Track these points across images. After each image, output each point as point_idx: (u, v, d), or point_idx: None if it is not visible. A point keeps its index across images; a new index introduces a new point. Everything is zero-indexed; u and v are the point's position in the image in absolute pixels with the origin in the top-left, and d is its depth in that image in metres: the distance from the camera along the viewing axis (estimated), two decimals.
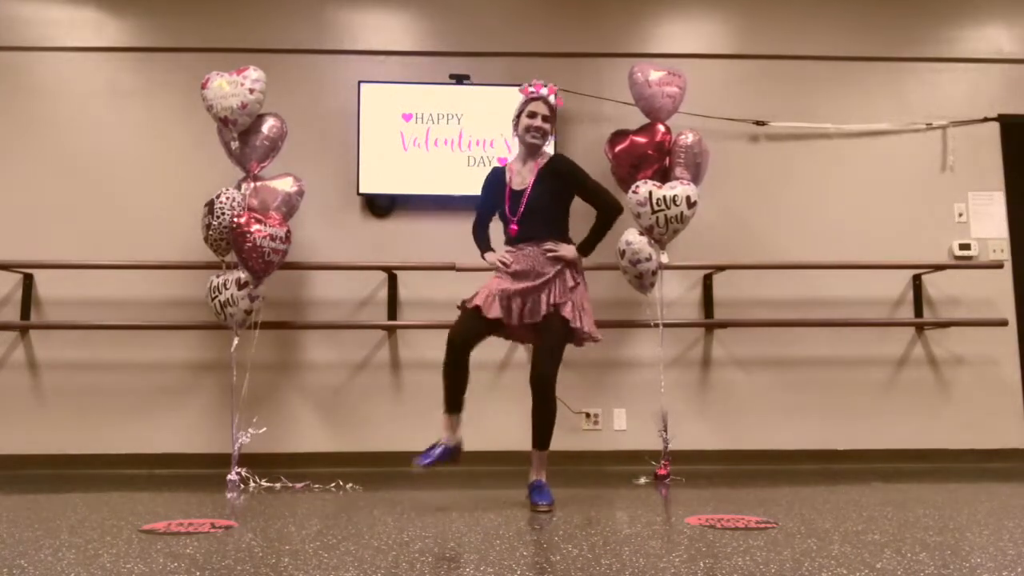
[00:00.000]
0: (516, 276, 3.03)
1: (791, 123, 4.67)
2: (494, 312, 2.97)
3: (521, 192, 3.09)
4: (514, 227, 3.08)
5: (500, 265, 3.07)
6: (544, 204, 3.07)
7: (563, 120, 4.52)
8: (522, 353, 4.37)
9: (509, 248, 3.12)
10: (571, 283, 3.05)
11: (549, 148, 3.28)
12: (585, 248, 3.12)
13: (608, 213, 3.14)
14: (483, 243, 3.27)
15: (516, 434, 4.18)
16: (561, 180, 3.11)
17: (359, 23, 4.68)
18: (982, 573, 1.90)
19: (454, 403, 3.03)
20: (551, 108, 3.12)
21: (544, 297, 3.00)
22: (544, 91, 3.13)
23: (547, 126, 3.11)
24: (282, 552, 2.16)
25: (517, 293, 3.00)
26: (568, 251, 3.07)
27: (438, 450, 2.98)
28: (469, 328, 2.99)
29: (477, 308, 2.98)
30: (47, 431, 4.27)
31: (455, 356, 2.98)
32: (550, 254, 3.03)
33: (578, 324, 3.00)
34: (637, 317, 4.22)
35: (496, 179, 3.22)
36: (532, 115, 3.09)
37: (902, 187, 4.66)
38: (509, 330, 3.08)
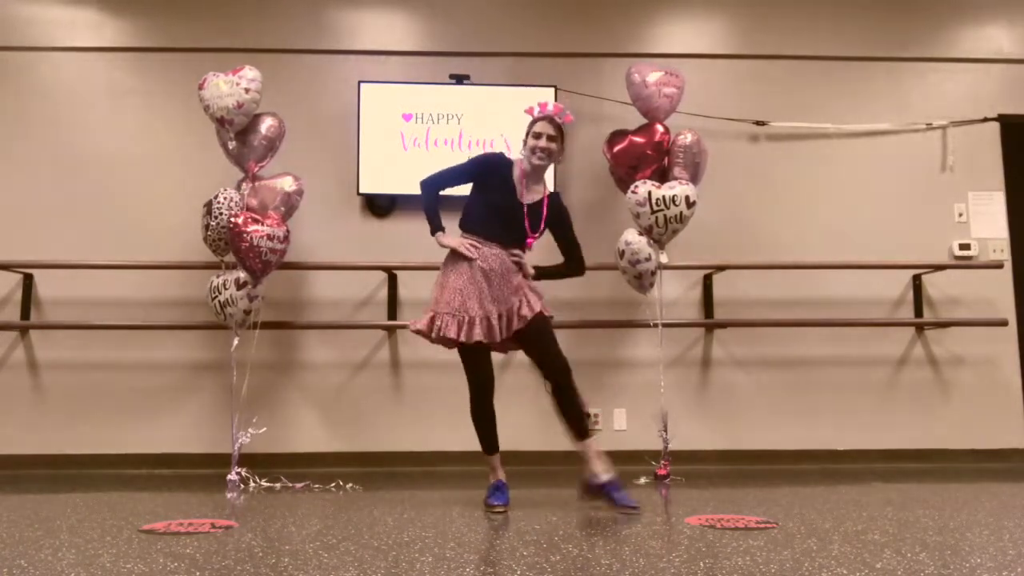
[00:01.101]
0: (484, 273, 2.94)
1: (791, 123, 4.67)
2: (476, 337, 2.89)
3: (535, 210, 3.05)
4: (531, 240, 3.06)
5: (467, 251, 2.95)
6: (536, 226, 3.08)
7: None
8: (521, 353, 4.36)
9: (472, 240, 3.00)
10: (528, 282, 3.04)
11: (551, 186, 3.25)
12: (541, 274, 3.13)
13: (576, 269, 3.23)
14: (436, 216, 3.06)
15: (516, 434, 4.18)
16: (556, 217, 3.12)
17: (359, 23, 4.68)
18: (982, 573, 1.90)
19: (491, 444, 3.05)
20: (557, 127, 3.04)
21: (516, 306, 2.95)
22: (550, 109, 3.07)
23: (553, 146, 3.03)
24: (282, 552, 2.16)
25: (494, 318, 2.93)
26: (526, 267, 3.06)
27: (504, 490, 2.99)
28: (479, 368, 2.99)
29: (469, 346, 2.92)
30: (47, 431, 4.27)
31: (481, 400, 3.01)
32: (514, 259, 3.00)
33: (550, 312, 3.05)
34: (637, 317, 4.22)
35: (503, 170, 3.07)
36: (537, 136, 3.02)
37: (902, 187, 4.66)
38: (496, 344, 3.01)
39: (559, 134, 3.05)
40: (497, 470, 3.04)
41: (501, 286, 2.95)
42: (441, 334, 2.93)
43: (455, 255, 3.01)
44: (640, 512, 2.80)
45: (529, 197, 3.07)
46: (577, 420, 2.95)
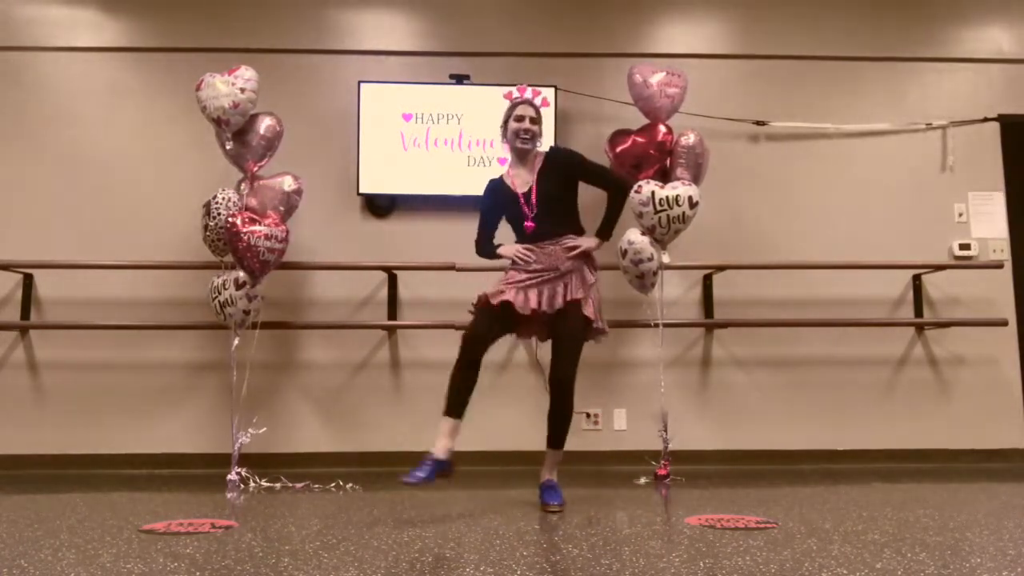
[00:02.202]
0: (535, 274, 2.99)
1: (791, 123, 4.67)
2: (506, 297, 2.89)
3: (528, 192, 3.07)
4: (529, 224, 3.04)
5: (519, 258, 3.01)
6: (554, 198, 3.06)
7: (563, 120, 4.52)
8: (522, 353, 4.37)
9: (527, 246, 3.06)
10: (590, 279, 3.04)
11: (546, 146, 3.25)
12: (603, 232, 3.11)
13: (618, 190, 3.16)
14: (491, 253, 3.21)
15: (516, 434, 4.20)
16: (563, 170, 3.09)
17: (359, 23, 4.68)
18: (982, 573, 1.90)
19: (457, 405, 2.88)
20: (536, 110, 3.12)
21: (561, 289, 2.97)
22: (528, 94, 3.15)
23: (535, 128, 3.09)
24: (282, 552, 2.16)
25: (533, 284, 2.95)
26: (587, 242, 3.07)
27: (427, 467, 2.75)
28: (484, 325, 2.92)
29: (490, 305, 2.92)
30: (47, 431, 4.27)
31: (468, 354, 2.89)
32: (571, 253, 3.01)
33: (598, 323, 3.01)
34: (637, 317, 4.22)
35: (497, 188, 3.16)
36: (520, 119, 3.08)
37: (902, 187, 4.66)
38: (522, 325, 3.03)
39: (539, 117, 3.12)
40: (448, 438, 2.83)
41: (549, 275, 2.98)
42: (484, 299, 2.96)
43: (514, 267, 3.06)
44: (562, 510, 2.86)
45: (522, 186, 3.10)
46: (555, 428, 3.01)
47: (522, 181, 3.11)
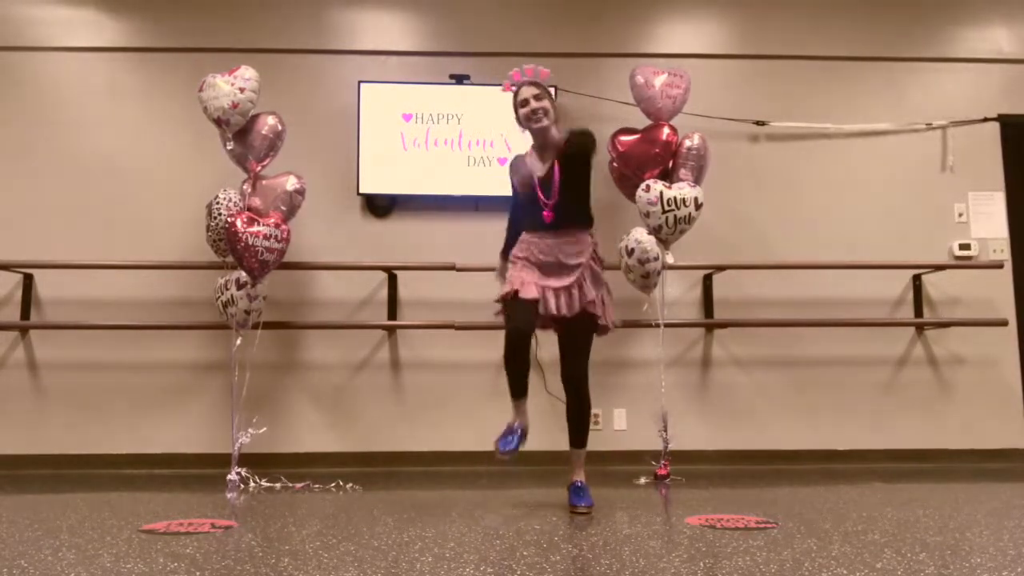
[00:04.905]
0: (542, 268, 2.94)
1: (791, 123, 4.67)
2: (532, 293, 2.85)
3: (548, 178, 2.96)
4: (548, 213, 2.95)
5: (505, 284, 2.94)
6: (572, 186, 2.96)
7: (563, 120, 4.51)
8: None
9: (531, 237, 2.99)
10: (601, 277, 3.01)
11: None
12: (565, 158, 2.97)
13: (575, 136, 2.97)
14: (509, 246, 3.12)
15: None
16: (575, 157, 2.97)
17: (359, 23, 4.68)
18: (982, 573, 1.90)
19: (519, 389, 2.89)
20: (538, 85, 3.00)
21: (577, 293, 2.92)
22: (524, 75, 3.04)
23: (541, 104, 2.96)
24: (282, 552, 2.16)
25: (551, 289, 2.90)
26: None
27: (516, 435, 2.89)
28: (523, 318, 2.84)
29: (519, 298, 2.84)
30: (47, 431, 4.27)
31: (515, 350, 2.82)
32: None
33: (606, 320, 2.98)
34: (638, 317, 4.22)
35: (517, 163, 3.10)
36: (524, 103, 2.98)
37: (902, 187, 4.66)
38: (542, 320, 2.97)
39: (543, 91, 3.00)
40: (520, 413, 2.91)
41: (559, 273, 2.93)
42: (502, 293, 2.93)
43: (519, 257, 2.99)
44: (590, 512, 2.84)
45: (542, 169, 3.00)
46: (575, 426, 3.00)
47: (542, 165, 3.01)
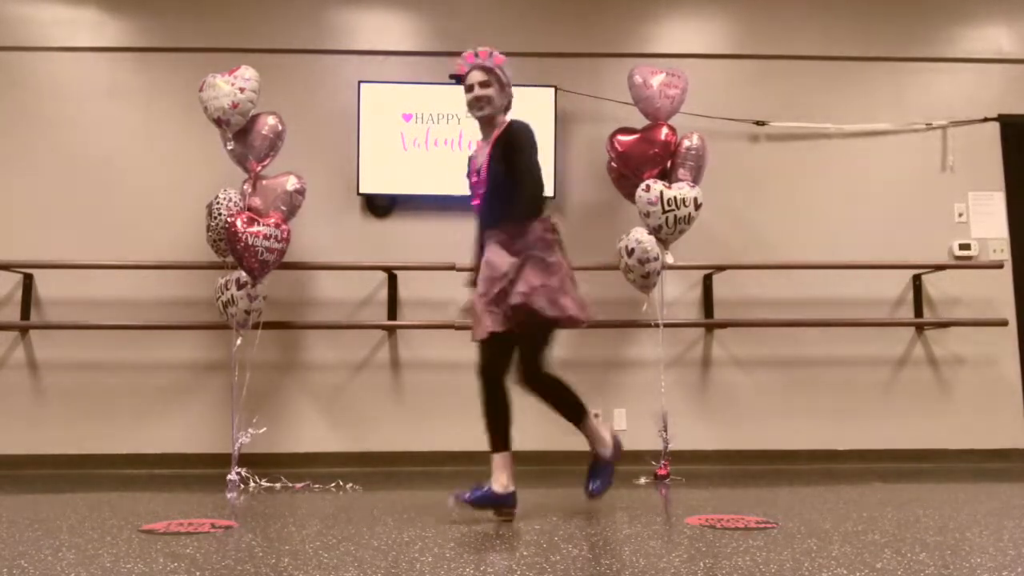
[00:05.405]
0: (481, 281, 2.75)
1: (791, 123, 4.67)
2: (481, 334, 2.68)
3: (481, 168, 2.84)
4: (475, 202, 2.85)
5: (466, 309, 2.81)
6: (499, 180, 2.76)
7: (563, 120, 4.52)
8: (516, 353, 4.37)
9: (478, 234, 2.90)
10: (552, 261, 2.70)
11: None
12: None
13: (516, 206, 2.71)
14: (477, 253, 2.92)
15: (516, 434, 4.18)
16: (503, 149, 2.78)
17: (359, 23, 4.68)
18: (982, 573, 1.90)
19: (498, 441, 2.71)
20: (487, 70, 2.81)
21: (509, 287, 2.66)
22: (473, 61, 2.84)
23: (485, 92, 2.80)
24: (282, 552, 2.16)
25: (487, 309, 2.68)
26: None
27: (483, 490, 2.64)
28: (492, 354, 2.71)
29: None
30: (47, 431, 4.27)
31: (488, 391, 2.72)
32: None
33: (556, 312, 2.66)
34: (637, 317, 4.22)
35: (472, 156, 2.97)
36: (469, 89, 2.83)
37: (902, 187, 4.66)
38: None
39: (491, 77, 2.81)
40: (502, 472, 2.68)
41: (491, 280, 2.70)
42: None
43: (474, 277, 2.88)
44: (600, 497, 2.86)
45: (479, 157, 2.87)
46: (558, 409, 2.82)
47: (481, 153, 2.88)
